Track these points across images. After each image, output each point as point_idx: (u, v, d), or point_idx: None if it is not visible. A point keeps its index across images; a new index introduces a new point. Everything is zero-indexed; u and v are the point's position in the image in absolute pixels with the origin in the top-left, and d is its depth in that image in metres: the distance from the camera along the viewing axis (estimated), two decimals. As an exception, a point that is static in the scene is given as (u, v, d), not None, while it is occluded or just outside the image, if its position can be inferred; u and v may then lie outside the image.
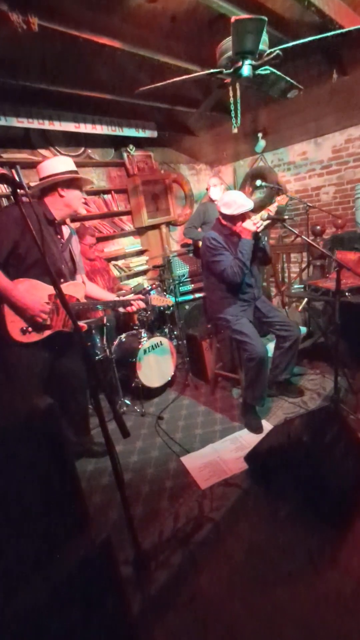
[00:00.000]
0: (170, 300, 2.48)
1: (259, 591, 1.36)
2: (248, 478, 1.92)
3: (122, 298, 2.21)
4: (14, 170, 1.19)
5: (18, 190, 1.16)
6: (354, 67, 2.84)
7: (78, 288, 2.01)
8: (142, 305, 2.15)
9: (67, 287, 1.92)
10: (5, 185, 3.06)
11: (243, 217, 2.27)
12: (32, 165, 3.34)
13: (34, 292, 1.76)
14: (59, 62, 2.32)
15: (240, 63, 1.88)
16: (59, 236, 1.93)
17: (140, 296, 2.19)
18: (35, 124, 2.92)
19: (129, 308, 2.13)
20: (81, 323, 2.35)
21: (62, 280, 1.90)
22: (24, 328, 1.77)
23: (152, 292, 3.06)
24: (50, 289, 1.81)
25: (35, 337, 1.81)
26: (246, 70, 1.90)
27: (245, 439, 2.25)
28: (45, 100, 2.84)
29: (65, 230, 1.99)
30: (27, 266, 1.75)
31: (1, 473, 0.75)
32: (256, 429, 2.31)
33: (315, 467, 1.60)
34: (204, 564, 1.49)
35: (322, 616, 1.24)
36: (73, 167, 1.87)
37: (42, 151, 3.37)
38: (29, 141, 3.28)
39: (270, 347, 2.72)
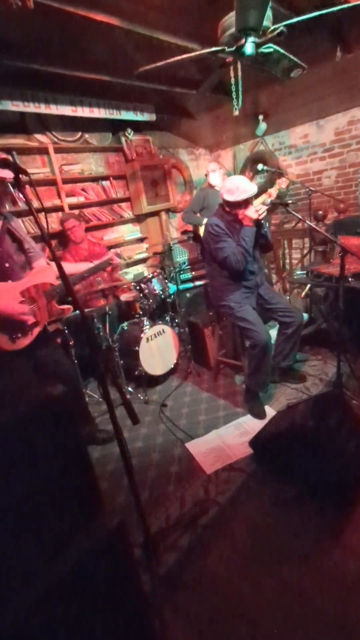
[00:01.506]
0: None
1: (265, 571, 1.40)
2: (253, 462, 1.95)
3: (96, 262, 2.07)
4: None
5: (20, 176, 1.14)
6: (358, 45, 2.76)
7: (47, 272, 1.86)
8: (118, 260, 2.10)
9: (34, 276, 1.78)
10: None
11: (247, 202, 2.23)
12: (28, 152, 3.28)
13: (2, 295, 1.62)
14: (55, 41, 2.23)
15: (243, 40, 1.81)
16: None
17: (115, 250, 2.15)
18: (31, 107, 2.84)
19: (108, 268, 2.06)
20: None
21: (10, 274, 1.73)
22: (11, 335, 1.66)
23: (153, 281, 3.06)
24: (18, 285, 1.69)
25: (26, 340, 1.71)
26: (249, 48, 1.83)
27: (249, 425, 2.28)
28: (40, 83, 2.75)
29: None
30: None
31: (18, 461, 0.75)
32: (259, 414, 2.34)
33: (318, 451, 1.62)
34: (211, 546, 1.52)
35: (326, 594, 1.27)
36: None
37: (39, 136, 3.30)
38: (25, 126, 3.20)
39: (273, 333, 2.72)
